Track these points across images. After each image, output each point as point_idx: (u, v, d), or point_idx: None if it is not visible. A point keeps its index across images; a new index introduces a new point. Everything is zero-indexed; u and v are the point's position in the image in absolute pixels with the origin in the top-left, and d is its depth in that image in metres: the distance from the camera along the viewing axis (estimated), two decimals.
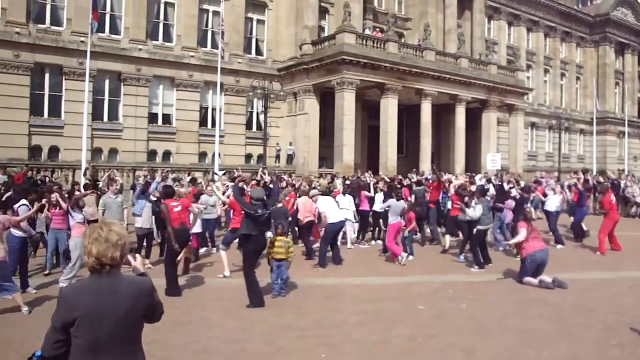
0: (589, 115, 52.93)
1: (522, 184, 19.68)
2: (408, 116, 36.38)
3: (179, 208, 9.80)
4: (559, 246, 14.83)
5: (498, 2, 47.56)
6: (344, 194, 15.10)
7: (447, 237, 14.48)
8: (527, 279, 10.13)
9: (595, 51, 57.15)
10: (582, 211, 16.91)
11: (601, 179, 24.35)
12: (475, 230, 12.01)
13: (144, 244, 11.87)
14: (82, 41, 25.64)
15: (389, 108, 31.30)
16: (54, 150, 27.21)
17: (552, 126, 49.56)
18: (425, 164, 32.64)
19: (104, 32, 28.38)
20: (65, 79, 27.49)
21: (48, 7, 27.52)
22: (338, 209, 12.55)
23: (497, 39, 47.48)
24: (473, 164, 36.37)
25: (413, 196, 15.85)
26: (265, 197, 8.99)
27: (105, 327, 2.73)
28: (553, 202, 15.87)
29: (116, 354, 2.77)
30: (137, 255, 3.31)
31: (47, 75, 27.43)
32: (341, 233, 13.69)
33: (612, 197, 15.13)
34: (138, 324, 2.88)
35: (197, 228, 11.87)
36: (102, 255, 2.81)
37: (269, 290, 9.06)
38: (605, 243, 14.16)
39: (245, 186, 12.85)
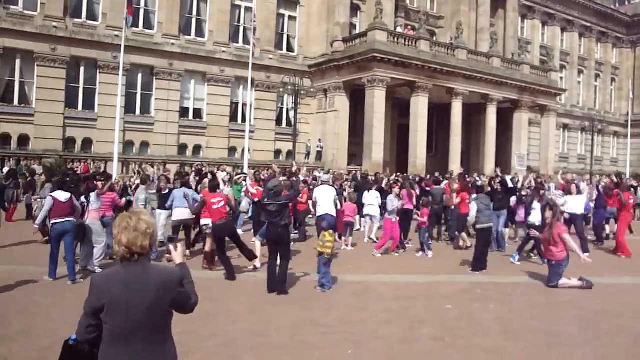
0: (623, 118, 51.95)
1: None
2: (438, 115, 36.11)
3: (221, 204, 10.13)
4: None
5: (532, 1, 46.93)
6: (368, 190, 15.17)
7: (464, 234, 14.59)
8: (564, 280, 10.00)
9: (632, 52, 55.99)
10: (600, 213, 16.59)
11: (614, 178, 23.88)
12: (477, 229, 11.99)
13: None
14: (116, 35, 26.06)
15: (420, 106, 31.15)
16: (87, 142, 27.78)
17: (585, 128, 48.69)
18: (455, 163, 32.40)
19: (138, 26, 28.82)
20: (100, 73, 28.00)
21: (84, 2, 28.14)
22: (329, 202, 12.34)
23: (530, 39, 46.86)
24: (503, 164, 35.86)
25: (430, 196, 15.76)
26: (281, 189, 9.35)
27: (132, 316, 2.77)
28: (576, 204, 14.89)
29: (144, 342, 2.81)
30: (179, 245, 3.32)
31: (82, 69, 27.98)
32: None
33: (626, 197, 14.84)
34: (166, 314, 2.90)
35: None
36: (132, 244, 2.85)
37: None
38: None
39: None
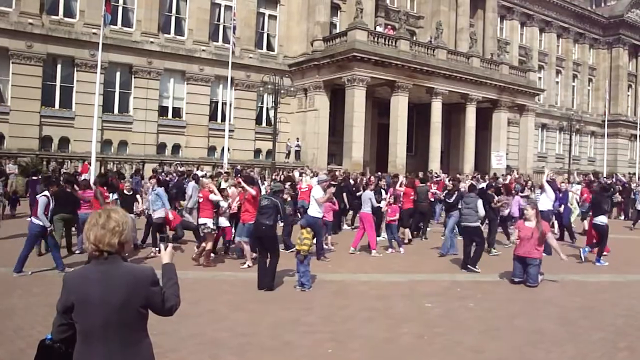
0: (600, 118, 52.68)
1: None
2: (418, 114, 36.29)
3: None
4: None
5: (511, 1, 47.35)
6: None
7: (407, 230, 15.15)
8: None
9: (609, 53, 56.80)
10: (567, 211, 16.75)
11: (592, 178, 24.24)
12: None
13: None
14: (94, 33, 25.78)
15: (399, 106, 31.24)
16: (64, 141, 27.42)
17: (563, 128, 49.25)
18: (435, 162, 32.62)
19: (116, 24, 28.52)
20: (77, 71, 27.69)
21: None
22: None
23: (509, 39, 47.29)
24: (482, 163, 36.26)
25: (415, 194, 15.83)
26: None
27: (101, 315, 2.71)
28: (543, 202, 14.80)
29: (115, 342, 2.75)
30: (170, 244, 3.27)
31: (59, 67, 27.63)
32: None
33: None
34: (138, 314, 2.82)
35: (224, 222, 11.85)
36: (99, 241, 2.80)
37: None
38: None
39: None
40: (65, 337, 2.83)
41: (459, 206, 12.76)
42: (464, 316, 8.04)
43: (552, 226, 15.57)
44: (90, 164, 22.19)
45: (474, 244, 11.63)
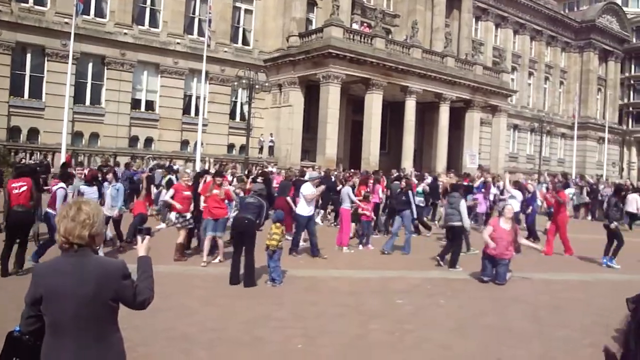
0: (570, 120, 53.49)
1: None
2: (392, 113, 36.47)
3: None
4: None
5: (486, 3, 47.81)
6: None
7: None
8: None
9: (580, 57, 57.77)
10: (533, 212, 17.03)
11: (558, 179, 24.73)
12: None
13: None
14: (66, 22, 25.32)
15: (374, 104, 31.34)
16: (33, 132, 26.91)
17: (534, 129, 49.97)
18: (408, 160, 32.79)
19: (89, 14, 28.09)
20: (48, 61, 27.18)
21: None
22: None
23: (483, 40, 47.77)
24: (455, 162, 36.54)
25: (389, 190, 15.98)
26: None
27: (70, 307, 2.68)
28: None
29: (84, 336, 2.72)
30: (147, 237, 3.23)
31: (28, 56, 27.10)
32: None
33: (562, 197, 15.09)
34: (108, 307, 2.78)
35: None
36: (69, 233, 2.77)
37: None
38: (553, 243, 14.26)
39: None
40: (33, 330, 2.79)
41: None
42: (434, 313, 8.13)
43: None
44: (72, 156, 22.04)
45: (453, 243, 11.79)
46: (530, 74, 53.56)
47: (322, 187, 13.10)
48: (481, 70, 38.06)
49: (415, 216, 14.15)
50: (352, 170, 23.94)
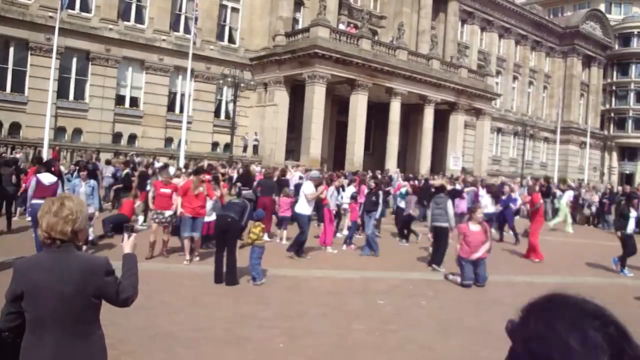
0: (553, 124, 54.01)
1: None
2: (377, 114, 36.56)
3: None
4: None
5: (472, 6, 48.10)
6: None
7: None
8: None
9: (564, 62, 58.32)
10: (510, 213, 17.37)
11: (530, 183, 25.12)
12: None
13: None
14: (50, 16, 25.12)
15: (359, 104, 31.43)
16: (15, 127, 26.62)
17: (518, 132, 50.36)
18: (392, 161, 32.90)
19: (74, 9, 27.86)
20: (31, 55, 26.94)
21: None
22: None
23: (469, 43, 48.07)
24: (438, 164, 36.79)
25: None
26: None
27: (51, 304, 2.66)
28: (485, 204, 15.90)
29: (65, 333, 2.69)
30: (133, 234, 3.20)
31: (11, 49, 26.84)
32: None
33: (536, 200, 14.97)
34: (90, 304, 2.76)
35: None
36: (51, 228, 2.74)
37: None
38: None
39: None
40: (13, 326, 2.75)
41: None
42: (416, 314, 8.19)
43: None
44: (59, 152, 21.97)
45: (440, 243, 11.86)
46: (515, 77, 53.98)
47: (323, 186, 13.01)
48: (466, 74, 38.30)
49: (378, 217, 14.26)
50: (340, 171, 24.07)
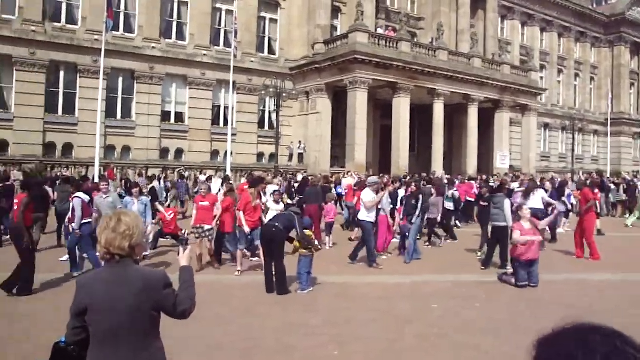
0: (603, 116, 52.59)
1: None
2: (420, 116, 36.27)
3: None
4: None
5: (512, 1, 47.33)
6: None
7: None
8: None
9: (610, 51, 56.67)
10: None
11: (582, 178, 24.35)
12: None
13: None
14: (96, 39, 25.86)
15: (401, 107, 31.27)
16: (68, 147, 27.50)
17: (566, 127, 49.19)
18: (438, 163, 32.60)
19: (118, 30, 28.59)
20: (80, 77, 27.78)
21: (64, 6, 27.89)
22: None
23: (510, 39, 47.26)
24: (485, 164, 36.26)
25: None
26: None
27: (113, 318, 2.74)
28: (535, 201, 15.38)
29: (127, 346, 2.77)
30: (188, 247, 3.27)
31: (62, 73, 27.73)
32: None
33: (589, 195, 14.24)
34: (150, 317, 2.83)
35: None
36: (110, 244, 2.83)
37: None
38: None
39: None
40: (78, 340, 2.85)
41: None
42: (469, 317, 8.08)
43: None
44: (114, 169, 22.75)
45: (499, 244, 11.70)
46: (560, 71, 52.77)
47: (383, 192, 12.65)
48: (509, 70, 37.67)
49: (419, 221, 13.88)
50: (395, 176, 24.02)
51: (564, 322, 1.20)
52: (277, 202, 12.06)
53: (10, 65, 26.17)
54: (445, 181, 20.79)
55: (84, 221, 10.13)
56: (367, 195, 11.83)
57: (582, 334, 1.14)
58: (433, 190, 15.22)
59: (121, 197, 12.93)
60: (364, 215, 11.79)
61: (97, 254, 9.31)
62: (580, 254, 13.41)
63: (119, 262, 2.85)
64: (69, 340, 2.88)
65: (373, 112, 33.68)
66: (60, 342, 2.92)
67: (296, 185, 21.29)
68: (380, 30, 33.91)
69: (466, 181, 21.61)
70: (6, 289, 8.50)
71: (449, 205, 16.52)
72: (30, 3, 26.46)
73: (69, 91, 27.82)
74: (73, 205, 10.40)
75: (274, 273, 9.25)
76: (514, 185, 18.61)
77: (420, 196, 13.44)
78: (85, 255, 10.21)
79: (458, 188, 19.47)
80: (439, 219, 15.28)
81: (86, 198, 10.48)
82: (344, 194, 19.37)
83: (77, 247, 10.27)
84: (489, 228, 13.97)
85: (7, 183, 15.48)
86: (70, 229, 10.72)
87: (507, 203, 11.82)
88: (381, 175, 23.86)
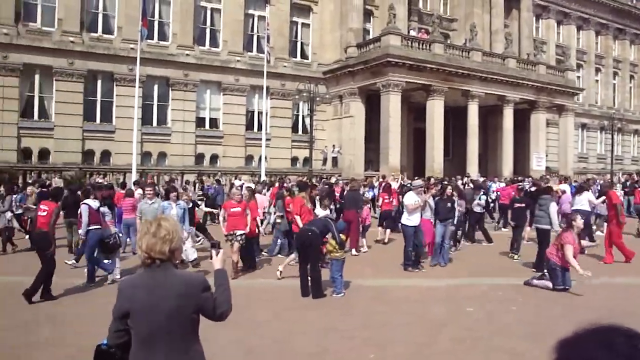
0: None
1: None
2: (454, 118, 35.94)
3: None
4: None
5: (546, 0, 46.54)
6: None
7: (387, 231, 15.73)
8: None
9: None
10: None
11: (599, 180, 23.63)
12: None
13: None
14: (132, 48, 26.32)
15: (435, 110, 31.04)
16: (105, 154, 28.05)
17: (604, 127, 48.16)
18: (473, 166, 32.28)
19: (152, 39, 29.06)
20: (116, 85, 28.32)
21: (100, 17, 28.51)
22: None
23: (545, 38, 46.51)
24: (521, 166, 35.70)
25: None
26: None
27: (154, 321, 2.79)
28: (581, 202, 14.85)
29: (168, 349, 2.81)
30: (220, 250, 3.32)
31: (99, 82, 28.31)
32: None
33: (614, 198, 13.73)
34: (190, 320, 2.88)
35: None
36: (150, 249, 2.87)
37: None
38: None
39: None
40: (121, 343, 2.90)
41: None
42: (505, 320, 7.98)
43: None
44: (154, 176, 23.25)
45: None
46: (598, 70, 51.66)
47: (427, 196, 12.35)
48: (544, 70, 37.07)
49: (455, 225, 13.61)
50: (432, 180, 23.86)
51: (586, 324, 1.14)
52: (325, 208, 12.06)
53: (50, 76, 26.84)
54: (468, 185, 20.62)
55: (91, 227, 10.13)
56: (410, 198, 11.57)
57: (604, 336, 1.13)
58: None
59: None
60: (405, 219, 11.59)
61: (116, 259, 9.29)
62: (608, 260, 12.83)
63: (160, 266, 2.90)
64: (111, 343, 2.93)
65: (407, 115, 33.50)
66: (102, 345, 2.97)
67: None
68: (412, 33, 33.77)
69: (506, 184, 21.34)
70: (28, 297, 8.53)
71: (478, 208, 16.29)
72: (69, 15, 27.13)
73: (106, 99, 28.38)
74: (80, 212, 10.47)
75: (308, 277, 9.27)
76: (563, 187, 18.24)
77: (456, 199, 13.30)
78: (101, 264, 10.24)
79: (501, 191, 19.26)
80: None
81: (94, 205, 10.44)
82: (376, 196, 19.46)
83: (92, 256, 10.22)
84: (526, 229, 13.78)
85: (44, 189, 15.93)
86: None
87: (553, 206, 11.58)
88: (427, 177, 23.71)
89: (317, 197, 12.55)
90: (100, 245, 10.17)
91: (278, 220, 13.72)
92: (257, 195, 13.94)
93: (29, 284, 8.55)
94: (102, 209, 10.99)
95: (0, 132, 25.53)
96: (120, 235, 11.53)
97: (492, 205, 21.03)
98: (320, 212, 11.49)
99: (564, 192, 16.70)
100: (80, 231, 10.52)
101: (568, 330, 1.15)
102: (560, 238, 9.83)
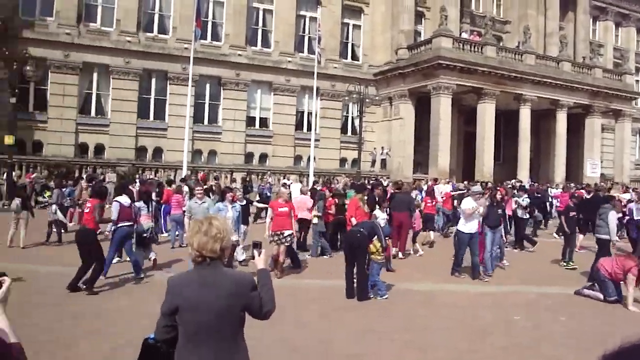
0: None
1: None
2: (505, 122, 35.33)
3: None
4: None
5: (605, 1, 45.24)
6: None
7: (431, 233, 15.92)
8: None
9: None
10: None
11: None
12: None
13: None
14: (185, 48, 26.87)
15: (486, 113, 30.61)
16: (157, 151, 28.73)
17: None
18: (524, 171, 31.70)
19: (206, 39, 29.60)
20: (170, 84, 28.96)
21: (156, 17, 29.24)
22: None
23: (603, 41, 45.20)
24: (574, 172, 34.86)
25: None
26: None
27: (202, 318, 2.86)
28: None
29: (214, 346, 2.88)
30: (262, 250, 3.38)
31: (153, 80, 29.03)
32: None
33: None
34: (237, 318, 2.95)
35: None
36: (202, 247, 2.94)
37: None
38: None
39: None
40: (168, 338, 2.98)
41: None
42: (553, 330, 7.85)
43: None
44: (207, 175, 23.80)
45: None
46: None
47: (484, 201, 11.99)
48: (601, 74, 36.08)
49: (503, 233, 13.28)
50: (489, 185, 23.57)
51: (634, 338, 1.15)
52: (383, 210, 12.04)
53: (107, 74, 27.69)
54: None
55: (120, 224, 9.94)
56: (467, 203, 11.27)
57: None
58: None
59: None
60: (461, 225, 11.32)
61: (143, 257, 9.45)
62: None
63: (210, 264, 2.97)
64: (159, 338, 3.01)
65: (457, 118, 33.15)
66: (149, 339, 3.06)
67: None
68: (464, 35, 33.39)
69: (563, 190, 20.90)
70: (71, 289, 8.77)
71: (520, 212, 15.97)
72: (127, 15, 27.95)
73: (159, 97, 29.09)
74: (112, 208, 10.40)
75: (354, 279, 9.29)
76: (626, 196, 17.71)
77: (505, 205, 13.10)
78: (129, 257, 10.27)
79: (560, 197, 18.86)
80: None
81: (126, 202, 10.22)
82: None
83: (131, 251, 10.27)
84: (579, 237, 13.44)
85: (89, 185, 16.57)
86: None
87: (612, 214, 11.25)
88: (486, 182, 23.42)
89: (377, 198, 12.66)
90: (136, 239, 10.42)
91: (315, 221, 13.45)
92: (302, 195, 14.00)
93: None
94: (137, 204, 11.00)
95: (59, 127, 26.52)
96: (156, 230, 12.22)
97: (550, 210, 20.68)
98: (379, 214, 11.45)
99: (630, 201, 16.14)
100: (107, 227, 10.61)
101: (616, 343, 1.16)
102: (623, 262, 9.48)
